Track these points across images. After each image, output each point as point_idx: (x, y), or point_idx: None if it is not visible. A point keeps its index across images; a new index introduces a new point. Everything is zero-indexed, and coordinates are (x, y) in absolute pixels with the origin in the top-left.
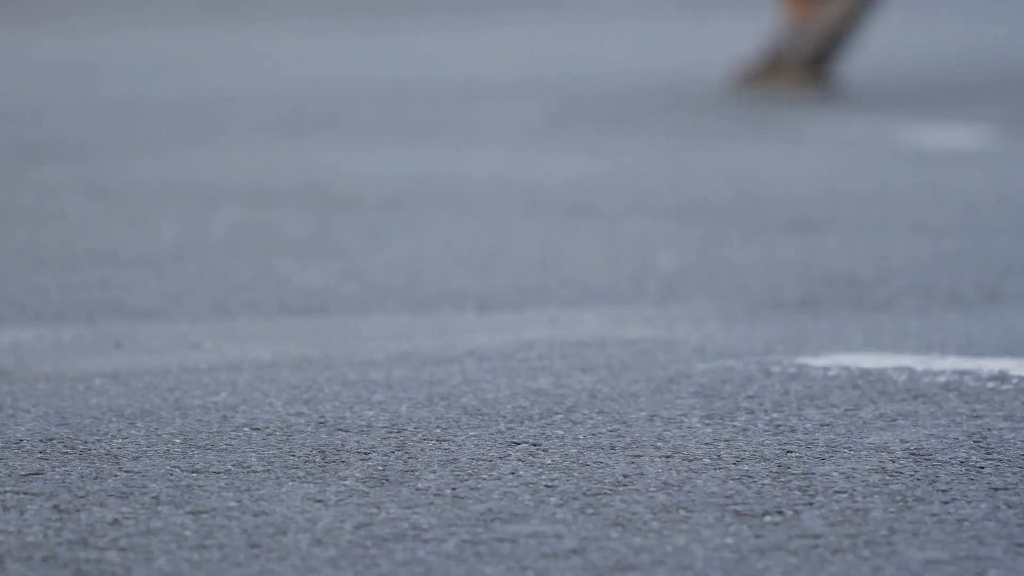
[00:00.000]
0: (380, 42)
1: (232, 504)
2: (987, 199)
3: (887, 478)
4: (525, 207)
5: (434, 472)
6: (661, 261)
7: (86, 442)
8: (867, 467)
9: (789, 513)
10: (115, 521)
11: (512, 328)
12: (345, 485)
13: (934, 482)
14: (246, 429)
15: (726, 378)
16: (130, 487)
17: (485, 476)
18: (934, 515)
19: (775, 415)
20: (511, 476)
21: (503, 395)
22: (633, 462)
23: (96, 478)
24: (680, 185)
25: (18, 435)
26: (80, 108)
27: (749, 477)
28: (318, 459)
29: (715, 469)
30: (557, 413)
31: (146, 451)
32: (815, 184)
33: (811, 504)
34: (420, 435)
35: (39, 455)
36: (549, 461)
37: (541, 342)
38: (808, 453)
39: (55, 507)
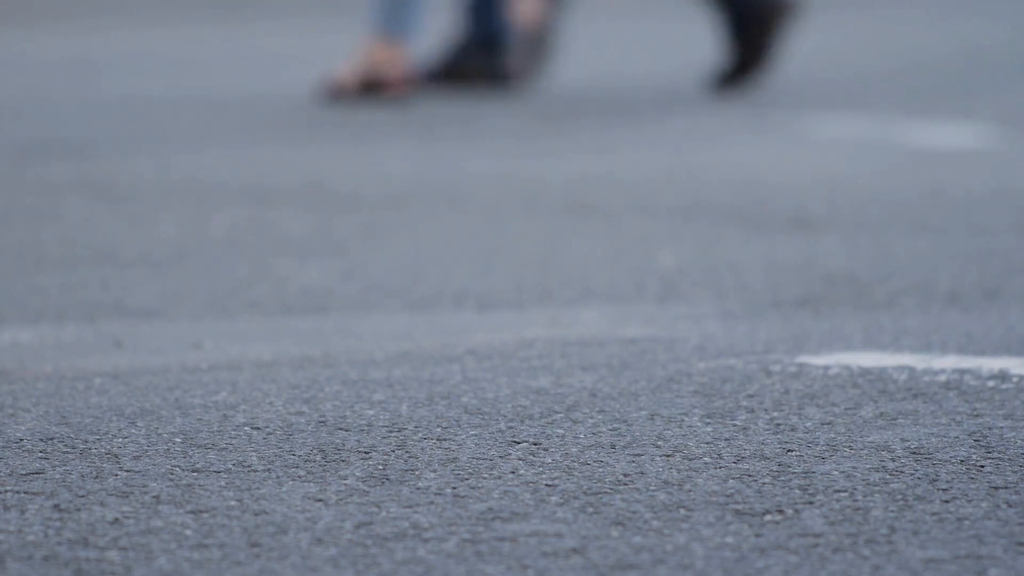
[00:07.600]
0: None
1: (232, 503)
2: (987, 199)
3: (887, 477)
4: (525, 207)
5: (434, 471)
6: (661, 260)
7: (86, 441)
8: (867, 466)
9: (789, 512)
10: (115, 520)
11: (512, 327)
12: (345, 484)
13: (934, 481)
14: (246, 428)
15: (726, 377)
16: (130, 486)
17: (485, 475)
18: (934, 514)
19: (775, 414)
20: (511, 475)
21: (503, 394)
22: (633, 461)
23: (96, 477)
24: (680, 184)
25: (18, 435)
26: (80, 107)
27: (749, 476)
28: (318, 458)
29: (715, 468)
30: (557, 412)
31: (146, 450)
32: (815, 183)
33: (811, 503)
34: (420, 434)
35: (39, 454)
36: (549, 460)
37: (541, 341)
38: (808, 452)
39: (55, 506)
